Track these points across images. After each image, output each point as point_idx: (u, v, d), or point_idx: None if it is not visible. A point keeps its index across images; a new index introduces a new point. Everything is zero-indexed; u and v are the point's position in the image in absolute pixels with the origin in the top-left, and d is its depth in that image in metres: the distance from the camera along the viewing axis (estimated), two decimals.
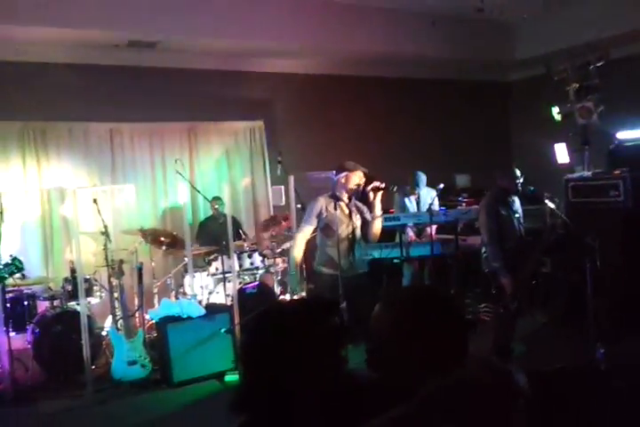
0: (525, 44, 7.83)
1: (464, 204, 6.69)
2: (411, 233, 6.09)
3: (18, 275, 3.18)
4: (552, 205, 5.03)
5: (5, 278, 2.64)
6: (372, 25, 6.94)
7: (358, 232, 4.38)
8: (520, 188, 4.77)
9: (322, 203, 4.30)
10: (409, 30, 7.20)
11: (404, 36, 7.17)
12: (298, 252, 4.33)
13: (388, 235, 6.03)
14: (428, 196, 6.22)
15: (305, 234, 4.35)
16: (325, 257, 4.35)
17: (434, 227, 6.09)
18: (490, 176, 5.27)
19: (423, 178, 6.21)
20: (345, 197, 4.36)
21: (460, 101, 8.46)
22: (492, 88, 8.93)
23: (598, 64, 5.79)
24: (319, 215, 4.29)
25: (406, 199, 6.21)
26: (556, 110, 5.95)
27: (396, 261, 5.68)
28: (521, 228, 4.84)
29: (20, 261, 2.65)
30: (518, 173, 4.72)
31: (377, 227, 4.41)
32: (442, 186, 5.78)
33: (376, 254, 5.67)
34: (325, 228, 4.30)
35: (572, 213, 5.15)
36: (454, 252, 5.51)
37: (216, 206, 6.19)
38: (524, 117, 8.75)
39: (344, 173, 4.33)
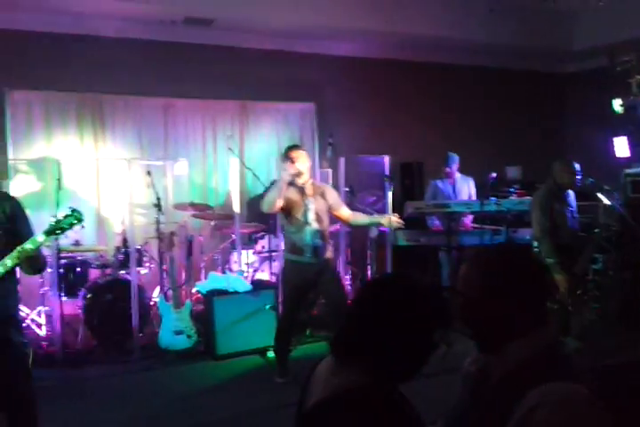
0: (586, 34, 7.58)
1: (515, 195, 6.57)
2: (437, 222, 6.04)
3: (77, 230, 3.19)
4: (607, 201, 4.90)
5: (66, 229, 2.66)
6: (428, 9, 6.84)
7: (312, 216, 4.13)
8: (578, 183, 4.64)
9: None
10: (466, 16, 7.05)
11: (461, 22, 7.03)
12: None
13: (420, 221, 6.02)
14: (465, 183, 6.16)
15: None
16: (289, 244, 4.25)
17: (470, 217, 6.05)
18: (542, 169, 5.14)
19: (455, 159, 6.13)
20: (296, 180, 4.11)
21: (514, 91, 8.27)
22: (548, 79, 8.70)
23: None
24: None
25: (439, 181, 6.15)
26: (617, 102, 5.78)
27: (443, 248, 5.64)
28: (575, 222, 4.73)
29: (80, 213, 2.67)
30: (578, 167, 4.59)
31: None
32: (494, 175, 5.71)
33: (423, 241, 5.66)
34: (286, 212, 4.15)
35: (631, 209, 5.00)
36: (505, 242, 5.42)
37: None
38: (580, 110, 8.51)
39: (292, 155, 4.11)
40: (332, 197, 4.30)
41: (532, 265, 1.40)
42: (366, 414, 1.28)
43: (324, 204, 4.22)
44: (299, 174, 4.09)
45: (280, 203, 4.04)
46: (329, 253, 4.23)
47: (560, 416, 1.16)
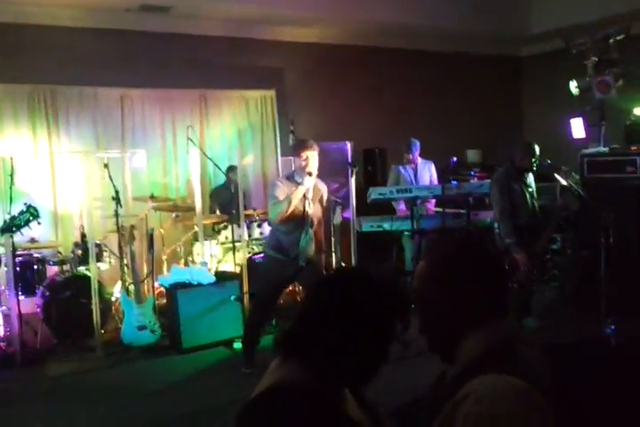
0: (541, 18, 7.65)
1: (475, 178, 6.64)
2: (402, 206, 6.06)
3: (33, 224, 3.11)
4: (564, 182, 4.99)
5: (21, 226, 2.60)
6: None
7: (308, 222, 4.05)
8: (535, 167, 4.72)
9: (283, 187, 3.95)
10: (422, 1, 7.05)
11: (418, 7, 7.02)
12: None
13: (383, 207, 6.04)
14: (425, 167, 6.18)
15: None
16: (274, 242, 4.16)
17: (432, 201, 6.09)
18: (502, 152, 5.19)
19: (417, 145, 6.11)
20: (305, 180, 3.92)
21: (473, 75, 8.33)
22: (505, 62, 8.79)
23: (618, 38, 5.65)
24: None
25: (401, 167, 6.15)
26: (573, 84, 5.83)
27: (407, 233, 5.67)
28: (534, 202, 4.81)
29: (35, 209, 2.60)
30: (537, 150, 4.66)
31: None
32: (455, 159, 5.74)
33: (387, 226, 5.67)
34: None
35: (588, 189, 5.09)
36: (466, 226, 5.47)
37: (231, 176, 6.10)
38: (536, 93, 8.63)
39: (304, 154, 3.90)
40: (324, 202, 4.29)
41: (488, 256, 1.37)
42: (289, 410, 1.23)
43: (320, 210, 4.18)
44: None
45: None
46: (312, 251, 4.22)
47: (481, 409, 1.11)
